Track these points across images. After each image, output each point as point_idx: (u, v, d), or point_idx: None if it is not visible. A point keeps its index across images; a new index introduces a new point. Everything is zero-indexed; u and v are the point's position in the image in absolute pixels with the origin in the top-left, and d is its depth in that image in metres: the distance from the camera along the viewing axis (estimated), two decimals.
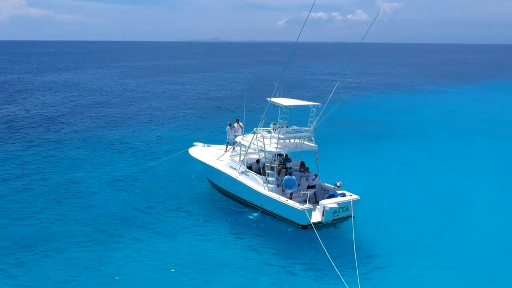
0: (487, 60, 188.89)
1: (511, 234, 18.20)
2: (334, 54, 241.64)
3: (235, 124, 24.49)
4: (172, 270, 14.81)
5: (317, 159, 20.57)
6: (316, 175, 20.39)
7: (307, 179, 20.25)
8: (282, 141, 19.77)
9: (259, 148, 19.72)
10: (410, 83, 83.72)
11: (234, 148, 22.97)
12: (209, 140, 28.34)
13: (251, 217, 19.27)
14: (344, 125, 40.97)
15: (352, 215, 18.21)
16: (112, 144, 32.16)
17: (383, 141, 34.95)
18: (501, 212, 20.49)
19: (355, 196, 18.84)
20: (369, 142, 34.53)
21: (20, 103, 50.87)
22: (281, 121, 20.13)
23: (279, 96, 20.75)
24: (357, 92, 67.76)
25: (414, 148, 32.80)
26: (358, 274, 14.10)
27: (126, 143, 32.70)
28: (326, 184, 20.48)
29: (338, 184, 19.78)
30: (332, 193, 19.20)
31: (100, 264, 15.06)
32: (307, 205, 17.60)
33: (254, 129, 20.46)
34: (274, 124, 20.60)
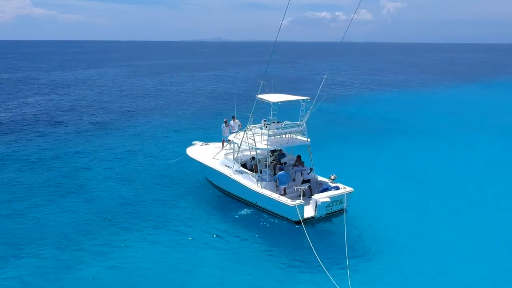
0: (490, 60, 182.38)
1: (511, 232, 17.73)
2: (336, 53, 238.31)
3: (231, 122, 24.53)
4: (163, 263, 15.15)
5: (310, 153, 20.50)
6: (311, 169, 20.33)
7: (301, 173, 20.21)
8: (273, 137, 19.73)
9: (250, 146, 19.76)
10: (411, 81, 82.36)
11: (228, 145, 23.05)
12: (209, 139, 28.52)
13: (246, 214, 19.35)
14: (341, 120, 40.81)
15: (345, 207, 18.15)
16: (113, 142, 32.63)
17: (380, 136, 34.64)
18: (501, 211, 19.93)
19: (348, 189, 18.77)
20: (367, 137, 34.28)
21: (25, 99, 52.29)
22: (271, 117, 20.08)
23: (268, 92, 20.68)
24: (357, 89, 67.28)
25: (412, 143, 32.41)
26: (349, 272, 14.06)
27: (127, 141, 33.09)
28: (320, 177, 20.42)
29: (332, 177, 19.70)
30: (326, 187, 19.19)
31: (97, 261, 15.38)
32: (298, 201, 17.57)
33: (246, 126, 20.46)
34: (265, 120, 20.56)
